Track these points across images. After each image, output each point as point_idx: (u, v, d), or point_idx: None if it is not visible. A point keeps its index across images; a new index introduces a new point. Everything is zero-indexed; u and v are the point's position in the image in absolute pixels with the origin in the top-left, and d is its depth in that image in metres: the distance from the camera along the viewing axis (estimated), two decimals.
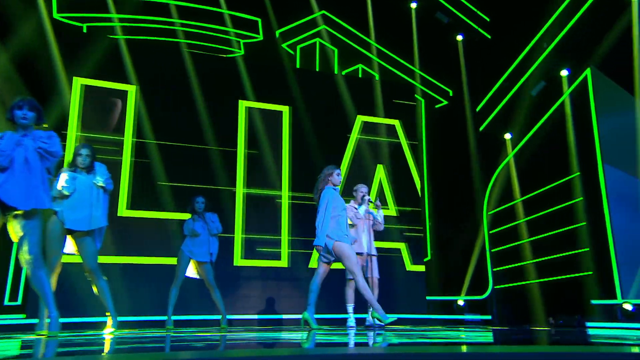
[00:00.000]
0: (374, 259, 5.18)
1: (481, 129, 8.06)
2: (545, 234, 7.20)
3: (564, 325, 6.23)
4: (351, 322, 4.94)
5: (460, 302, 8.33)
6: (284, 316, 6.90)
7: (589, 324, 6.15)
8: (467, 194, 8.32)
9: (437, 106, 9.47)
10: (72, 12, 7.12)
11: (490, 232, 7.93)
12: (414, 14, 8.84)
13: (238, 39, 8.65)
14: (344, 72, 9.29)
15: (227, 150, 7.25)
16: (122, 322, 4.18)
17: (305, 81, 8.10)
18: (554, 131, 7.06)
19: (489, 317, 7.67)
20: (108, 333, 3.83)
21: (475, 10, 8.66)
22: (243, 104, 7.59)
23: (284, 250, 7.11)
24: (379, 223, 5.31)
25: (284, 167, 7.54)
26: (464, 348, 2.32)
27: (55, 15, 7.00)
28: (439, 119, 9.04)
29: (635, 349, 2.42)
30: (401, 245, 7.97)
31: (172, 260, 5.68)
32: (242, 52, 8.60)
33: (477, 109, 8.02)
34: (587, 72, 6.89)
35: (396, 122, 8.37)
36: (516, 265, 7.57)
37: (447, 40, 8.96)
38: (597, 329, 5.92)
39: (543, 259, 7.20)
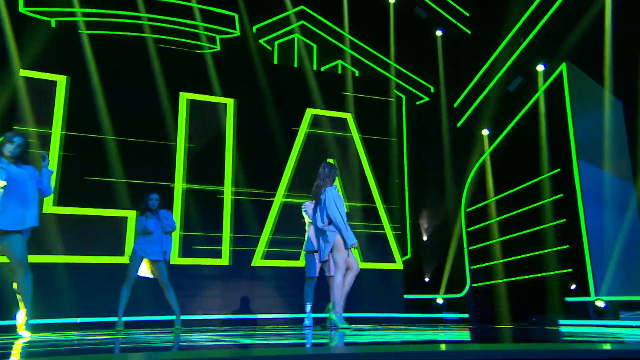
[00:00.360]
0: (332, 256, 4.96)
1: (459, 125, 7.91)
2: (523, 232, 7.07)
3: (537, 323, 6.10)
4: (308, 321, 4.91)
5: (440, 301, 8.20)
6: (230, 316, 6.65)
7: (562, 321, 6.02)
8: (445, 192, 8.18)
9: (418, 102, 9.32)
10: (39, 6, 6.91)
11: (468, 229, 7.80)
12: (392, 9, 8.65)
13: (214, 35, 8.45)
14: (322, 69, 9.13)
15: (166, 144, 6.92)
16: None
17: (253, 74, 7.82)
18: (531, 127, 6.92)
19: (466, 315, 7.53)
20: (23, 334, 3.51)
21: (454, 5, 8.50)
22: (184, 96, 7.24)
23: (225, 247, 6.81)
24: None
25: (227, 161, 7.22)
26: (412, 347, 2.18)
27: (22, 10, 6.80)
28: (418, 115, 8.88)
29: (607, 346, 2.37)
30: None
31: (104, 259, 5.65)
32: (218, 47, 8.42)
33: (455, 105, 7.87)
34: (563, 66, 6.78)
35: (348, 116, 8.10)
36: (494, 263, 7.44)
37: (427, 35, 8.80)
38: (570, 327, 5.79)
39: (520, 256, 7.07)
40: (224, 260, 6.77)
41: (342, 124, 8.13)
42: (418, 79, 9.12)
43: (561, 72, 6.80)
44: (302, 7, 9.00)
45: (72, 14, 7.07)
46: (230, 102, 7.54)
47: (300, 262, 6.62)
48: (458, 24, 8.58)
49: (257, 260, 6.88)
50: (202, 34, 8.33)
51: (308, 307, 4.90)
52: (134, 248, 4.94)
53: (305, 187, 7.03)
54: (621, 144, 6.52)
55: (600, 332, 4.46)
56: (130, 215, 6.28)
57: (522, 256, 6.97)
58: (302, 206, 5.23)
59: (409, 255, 8.83)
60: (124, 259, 5.89)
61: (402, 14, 8.87)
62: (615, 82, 6.28)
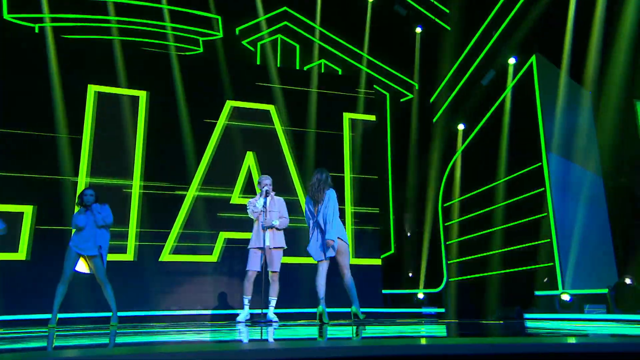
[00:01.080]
0: (275, 252, 4.93)
1: (434, 120, 7.82)
2: (499, 227, 6.96)
3: (505, 318, 5.97)
4: (243, 316, 4.95)
5: (420, 296, 8.12)
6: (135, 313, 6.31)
7: (528, 315, 5.88)
8: (424, 187, 8.10)
9: (402, 99, 9.24)
10: (23, 12, 7.09)
11: (445, 224, 7.69)
12: (370, 7, 8.61)
13: (197, 37, 8.53)
14: (305, 68, 9.13)
15: (72, 137, 6.66)
16: None
17: (169, 66, 7.59)
18: (503, 121, 6.80)
19: (442, 309, 7.43)
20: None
21: (433, 1, 8.41)
22: (92, 89, 7.01)
23: (131, 243, 6.55)
24: (283, 218, 5.11)
25: (136, 155, 6.96)
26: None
27: (6, 16, 6.99)
28: (397, 111, 8.82)
29: (571, 339, 2.33)
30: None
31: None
32: (202, 49, 8.49)
33: (431, 101, 7.78)
34: (533, 59, 6.65)
35: (271, 108, 7.92)
36: (469, 258, 7.33)
37: (406, 32, 8.74)
38: (537, 321, 5.66)
39: (495, 252, 6.96)
40: (129, 256, 6.53)
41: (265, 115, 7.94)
42: (402, 76, 9.05)
43: (531, 64, 6.66)
44: (285, 8, 9.03)
45: (54, 20, 7.23)
46: (142, 95, 7.32)
47: (213, 257, 6.69)
48: (438, 20, 8.47)
49: (165, 256, 6.64)
50: (189, 36, 8.42)
51: (246, 301, 4.88)
52: (69, 245, 4.80)
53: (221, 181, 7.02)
54: (590, 136, 6.35)
55: (559, 326, 4.36)
56: (27, 210, 6.12)
57: (496, 251, 6.84)
58: (248, 203, 5.13)
59: (392, 251, 8.76)
60: (19, 255, 5.84)
61: (382, 12, 8.81)
62: (584, 72, 6.12)
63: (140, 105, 7.32)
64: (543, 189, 6.18)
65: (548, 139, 6.22)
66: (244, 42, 8.85)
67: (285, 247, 5.14)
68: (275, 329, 3.97)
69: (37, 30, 7.23)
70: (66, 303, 4.97)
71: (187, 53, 8.36)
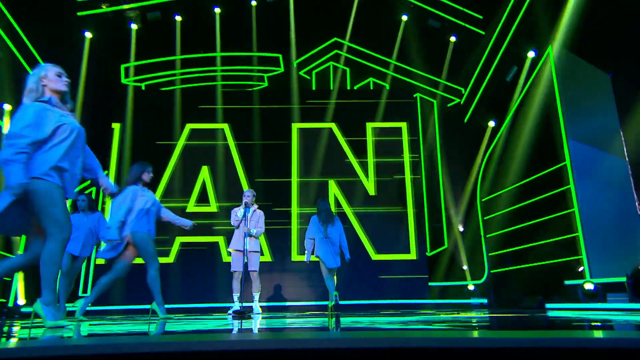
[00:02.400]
0: (253, 254, 5.42)
1: (465, 120, 7.97)
2: (533, 221, 6.91)
3: (527, 307, 5.94)
4: (237, 307, 5.40)
5: (471, 287, 8.25)
6: None
7: (551, 305, 5.78)
8: (467, 184, 8.26)
9: (449, 105, 9.49)
10: (134, 76, 9.24)
11: (484, 218, 7.75)
12: (404, 25, 9.15)
13: (262, 74, 9.94)
14: (356, 87, 9.94)
15: None
16: None
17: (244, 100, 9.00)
18: (528, 115, 6.81)
19: (485, 300, 7.48)
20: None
21: (465, 10, 8.66)
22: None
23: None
24: (259, 228, 5.57)
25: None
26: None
27: (123, 81, 9.19)
28: (438, 116, 9.12)
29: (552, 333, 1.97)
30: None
31: None
32: (266, 84, 9.86)
33: (461, 102, 7.98)
34: (549, 50, 6.60)
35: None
36: (508, 250, 7.31)
37: (441, 42, 9.07)
38: (557, 311, 5.59)
39: (530, 244, 6.91)
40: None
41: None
42: (447, 82, 9.33)
43: (548, 55, 6.61)
44: (335, 38, 9.98)
45: (156, 78, 9.26)
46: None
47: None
48: (471, 27, 8.67)
49: None
50: (256, 74, 9.89)
51: (235, 298, 5.38)
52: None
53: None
54: (612, 120, 6.02)
55: (574, 315, 4.19)
56: None
57: (532, 244, 6.78)
58: (231, 212, 5.61)
59: (445, 246, 9.00)
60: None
61: (417, 27, 9.25)
62: (603, 56, 5.93)
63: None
64: (566, 179, 6.06)
65: (569, 129, 6.09)
66: (301, 73, 9.97)
67: (259, 251, 5.64)
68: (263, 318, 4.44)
69: (143, 88, 9.32)
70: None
71: (255, 88, 9.76)
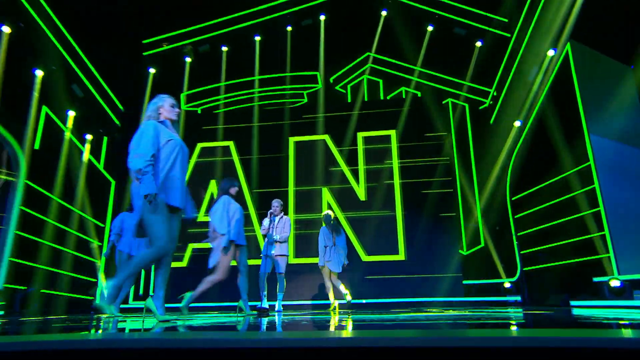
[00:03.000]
0: (280, 258, 5.76)
1: (491, 121, 7.97)
2: (563, 219, 6.81)
3: (552, 305, 5.86)
4: (264, 304, 5.62)
5: (507, 285, 8.18)
6: None
7: (576, 302, 5.65)
8: (499, 184, 8.25)
9: (481, 107, 9.51)
10: (190, 102, 10.33)
11: (515, 217, 7.66)
12: (430, 35, 9.35)
13: (303, 91, 10.60)
14: (389, 97, 10.26)
15: None
16: None
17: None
18: (550, 113, 6.76)
19: (518, 297, 7.37)
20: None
21: (489, 15, 8.73)
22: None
23: None
24: (284, 233, 5.91)
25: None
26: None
27: (184, 107, 10.30)
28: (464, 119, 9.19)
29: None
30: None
31: None
32: (306, 100, 10.50)
33: (487, 103, 8.00)
34: (568, 47, 6.55)
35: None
36: (538, 248, 7.21)
37: (468, 48, 9.17)
38: (581, 308, 5.49)
39: (561, 242, 6.80)
40: None
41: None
42: (479, 86, 9.37)
43: (567, 52, 6.55)
44: (367, 53, 10.40)
45: (212, 102, 10.28)
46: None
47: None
48: (497, 31, 8.70)
49: None
50: (297, 92, 10.57)
51: (263, 295, 5.61)
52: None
53: None
54: (636, 113, 5.80)
55: (595, 313, 4.01)
56: None
57: (561, 242, 6.67)
58: (262, 221, 5.91)
59: (482, 244, 8.98)
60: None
61: (443, 36, 9.42)
62: (623, 49, 5.81)
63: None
64: (592, 182, 5.94)
65: (592, 127, 5.97)
66: (337, 87, 10.49)
67: (286, 254, 5.90)
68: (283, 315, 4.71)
69: (199, 112, 10.38)
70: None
71: (296, 105, 10.43)
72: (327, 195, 9.11)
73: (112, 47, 9.06)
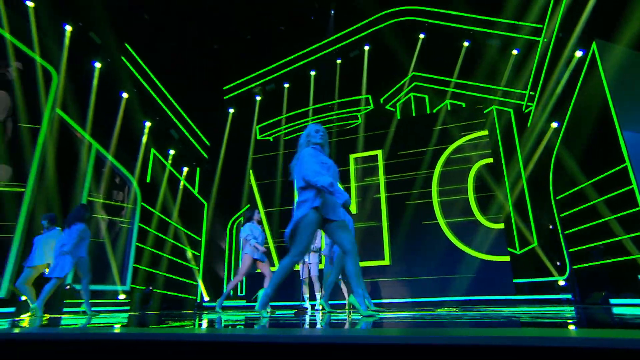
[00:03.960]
0: (313, 264, 6.41)
1: (529, 125, 7.94)
2: (606, 218, 6.65)
3: (592, 303, 5.74)
4: (306, 305, 6.11)
5: (561, 282, 8.02)
6: None
7: (616, 301, 5.49)
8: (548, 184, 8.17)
9: (525, 110, 9.46)
10: (263, 133, 11.77)
11: (561, 215, 7.51)
12: (468, 49, 9.60)
13: (358, 113, 11.43)
14: (435, 110, 10.63)
15: None
16: None
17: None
18: (582, 114, 6.73)
19: (569, 295, 7.19)
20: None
21: (520, 23, 8.82)
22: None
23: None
24: (315, 242, 6.52)
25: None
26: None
27: (258, 137, 11.77)
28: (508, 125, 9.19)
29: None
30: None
31: None
32: (360, 121, 11.30)
33: (523, 108, 8.03)
34: (593, 46, 6.54)
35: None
36: (585, 247, 7.03)
37: (504, 56, 9.27)
38: (620, 307, 5.32)
39: (606, 241, 6.64)
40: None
41: None
42: (519, 91, 9.36)
43: (593, 52, 6.52)
44: (413, 73, 10.93)
45: (279, 131, 11.62)
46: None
47: None
48: (528, 37, 8.73)
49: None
50: (353, 114, 11.44)
51: (305, 297, 6.17)
52: None
53: None
54: None
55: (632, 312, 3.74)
56: None
57: (605, 241, 6.50)
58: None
59: (535, 244, 8.87)
60: None
61: (478, 49, 9.63)
62: None
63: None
64: (629, 183, 5.81)
65: (625, 124, 5.82)
66: (387, 107, 11.13)
67: (319, 261, 6.54)
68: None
69: (271, 140, 11.76)
70: None
71: (351, 126, 11.27)
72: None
73: (199, 95, 10.90)
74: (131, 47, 9.02)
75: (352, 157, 10.49)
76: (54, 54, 7.64)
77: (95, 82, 8.25)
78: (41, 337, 1.70)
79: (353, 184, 10.22)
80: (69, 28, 7.94)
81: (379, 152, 10.34)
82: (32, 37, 7.46)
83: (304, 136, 3.40)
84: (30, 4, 7.50)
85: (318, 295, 6.41)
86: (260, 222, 5.91)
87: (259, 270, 5.72)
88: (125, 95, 8.80)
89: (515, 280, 8.13)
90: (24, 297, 6.77)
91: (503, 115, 9.54)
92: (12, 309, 6.85)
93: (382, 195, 9.80)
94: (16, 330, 1.96)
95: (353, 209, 9.87)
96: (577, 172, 7.03)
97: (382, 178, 9.94)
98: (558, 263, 8.42)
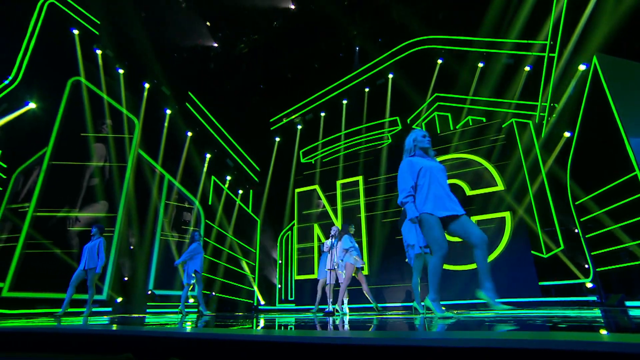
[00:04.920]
0: (339, 273, 6.60)
1: (542, 135, 8.06)
2: (622, 223, 6.68)
3: (609, 305, 5.75)
4: (330, 308, 6.11)
5: (589, 285, 7.95)
6: None
7: (632, 303, 5.50)
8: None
9: (544, 122, 9.53)
10: (306, 156, 12.72)
11: (580, 220, 7.51)
12: (483, 68, 9.92)
13: (388, 135, 12.03)
14: (458, 127, 10.95)
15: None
16: None
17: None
18: (594, 126, 6.87)
19: (594, 297, 7.13)
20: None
21: (530, 41, 9.06)
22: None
23: None
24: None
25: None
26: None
27: (302, 160, 12.75)
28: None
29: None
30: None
31: None
32: (390, 140, 11.88)
33: (537, 120, 8.18)
34: (594, 59, 6.73)
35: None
36: (608, 249, 7.02)
37: (517, 72, 9.48)
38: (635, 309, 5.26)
39: (623, 245, 6.65)
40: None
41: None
42: (529, 102, 9.47)
43: (595, 65, 6.70)
44: (436, 94, 11.37)
45: (318, 154, 12.53)
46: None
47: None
48: (539, 53, 8.92)
49: None
50: (384, 135, 12.05)
51: (330, 301, 6.20)
52: None
53: None
54: None
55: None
56: None
57: (622, 245, 6.51)
58: (323, 244, 6.83)
59: (561, 247, 8.84)
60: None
61: (493, 67, 9.91)
62: None
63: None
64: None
65: (631, 132, 5.93)
66: (414, 126, 11.61)
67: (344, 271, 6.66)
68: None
69: (313, 162, 12.68)
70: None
71: (382, 146, 11.88)
72: None
73: (249, 128, 12.19)
74: (193, 93, 10.52)
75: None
76: (136, 106, 9.26)
77: (166, 124, 9.77)
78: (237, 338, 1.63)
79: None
80: (147, 85, 9.57)
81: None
82: (120, 95, 9.13)
83: (410, 141, 3.34)
84: (121, 71, 9.21)
85: (346, 301, 6.70)
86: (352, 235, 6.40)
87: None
88: (189, 133, 10.25)
89: (541, 283, 8.13)
90: (119, 299, 8.16)
91: (521, 127, 9.66)
92: (108, 308, 8.25)
93: None
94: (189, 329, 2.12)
95: None
96: (592, 179, 7.06)
97: None
98: (586, 266, 8.29)
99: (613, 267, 6.96)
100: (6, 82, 6.76)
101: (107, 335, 2.02)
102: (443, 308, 3.10)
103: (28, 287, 6.96)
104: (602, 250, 7.14)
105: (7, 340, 2.27)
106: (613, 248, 6.90)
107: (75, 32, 8.48)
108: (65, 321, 4.40)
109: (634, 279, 6.74)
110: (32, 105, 7.47)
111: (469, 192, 9.52)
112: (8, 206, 7.07)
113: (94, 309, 7.33)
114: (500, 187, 9.22)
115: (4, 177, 7.18)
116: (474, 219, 9.10)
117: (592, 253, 7.35)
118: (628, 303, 5.75)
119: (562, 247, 8.70)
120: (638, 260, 6.25)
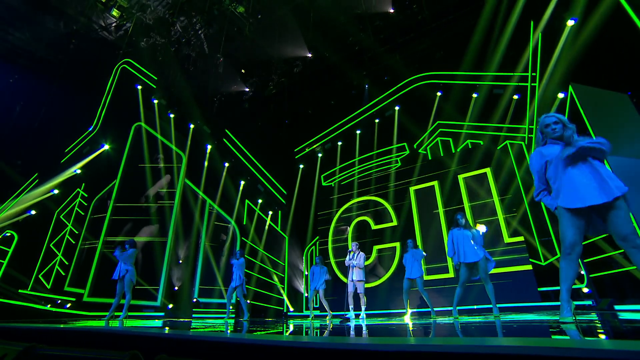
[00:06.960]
0: (358, 283, 6.64)
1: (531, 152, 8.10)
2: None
3: (598, 309, 5.66)
4: (351, 315, 6.34)
5: (585, 290, 7.77)
6: None
7: (621, 307, 5.41)
8: None
9: (532, 143, 9.54)
10: (326, 180, 13.11)
11: None
12: (474, 100, 10.11)
13: (397, 159, 12.28)
14: (458, 149, 11.07)
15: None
16: None
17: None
18: None
19: (589, 302, 6.96)
20: None
21: (515, 73, 9.22)
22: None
23: None
24: (359, 264, 6.72)
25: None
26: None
27: (323, 183, 13.15)
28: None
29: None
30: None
31: None
32: (400, 164, 12.12)
33: (526, 142, 8.25)
34: (570, 89, 6.87)
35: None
36: (600, 257, 6.91)
37: (509, 100, 9.62)
38: (626, 312, 5.19)
39: (611, 253, 6.59)
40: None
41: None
42: (517, 126, 9.51)
43: (571, 94, 6.82)
44: (438, 121, 11.60)
45: (337, 178, 12.89)
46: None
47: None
48: (525, 83, 9.06)
49: None
50: (393, 159, 12.32)
51: (350, 308, 6.37)
52: None
53: None
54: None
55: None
56: None
57: (610, 253, 6.45)
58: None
59: (558, 255, 8.70)
60: None
61: (490, 97, 10.08)
62: (617, 79, 5.93)
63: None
64: None
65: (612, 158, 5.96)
66: (420, 150, 11.82)
67: (364, 280, 6.77)
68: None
69: (333, 185, 13.05)
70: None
71: (392, 169, 12.12)
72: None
73: (277, 157, 12.80)
74: (229, 130, 11.29)
75: (412, 189, 11.27)
76: (183, 143, 10.07)
77: (207, 157, 10.51)
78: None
79: (415, 214, 10.90)
80: (192, 126, 10.41)
81: (435, 183, 10.99)
82: (171, 135, 9.99)
83: (538, 131, 2.87)
84: (172, 115, 10.11)
85: (363, 308, 6.69)
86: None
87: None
88: (226, 164, 10.94)
89: (540, 289, 7.97)
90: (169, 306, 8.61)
91: (515, 148, 9.68)
92: (161, 313, 8.77)
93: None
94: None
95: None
96: None
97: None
98: (582, 272, 8.07)
99: (605, 272, 6.79)
100: (90, 129, 7.72)
101: (184, 339, 2.03)
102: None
103: (100, 294, 7.63)
104: (594, 258, 6.98)
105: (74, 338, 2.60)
106: (603, 255, 6.76)
107: (139, 87, 9.51)
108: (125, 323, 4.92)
109: (625, 285, 6.55)
110: (106, 147, 8.41)
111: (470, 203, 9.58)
112: (88, 228, 7.88)
113: (148, 313, 7.88)
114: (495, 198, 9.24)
115: (85, 204, 8.01)
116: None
117: (585, 260, 7.19)
118: (617, 307, 5.61)
119: (558, 255, 8.52)
120: (626, 267, 6.11)
